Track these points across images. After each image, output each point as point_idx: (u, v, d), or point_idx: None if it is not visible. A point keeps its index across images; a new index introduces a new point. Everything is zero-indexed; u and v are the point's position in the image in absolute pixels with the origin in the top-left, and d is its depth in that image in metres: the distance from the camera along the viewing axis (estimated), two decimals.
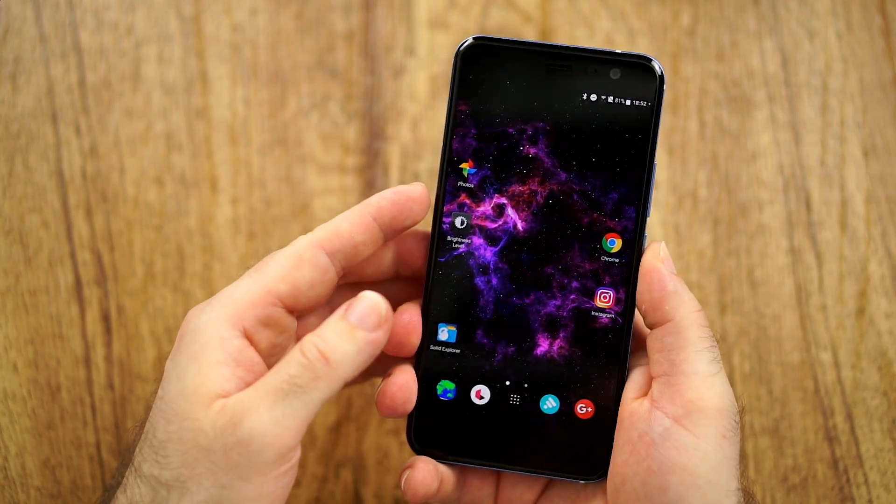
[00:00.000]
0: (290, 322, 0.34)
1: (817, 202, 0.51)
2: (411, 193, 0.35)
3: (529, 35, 0.52)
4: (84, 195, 0.49)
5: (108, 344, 0.48)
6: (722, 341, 0.50)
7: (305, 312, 0.35)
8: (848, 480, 0.49)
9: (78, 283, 0.49)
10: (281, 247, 0.35)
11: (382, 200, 0.35)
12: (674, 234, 0.51)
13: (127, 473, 0.33)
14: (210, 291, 0.49)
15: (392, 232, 0.35)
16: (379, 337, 0.32)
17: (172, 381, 0.32)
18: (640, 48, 0.52)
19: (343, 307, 0.32)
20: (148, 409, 0.33)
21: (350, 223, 0.34)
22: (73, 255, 0.49)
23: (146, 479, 0.31)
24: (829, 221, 0.51)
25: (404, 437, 0.49)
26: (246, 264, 0.49)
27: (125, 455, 0.35)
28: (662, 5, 0.53)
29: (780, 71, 0.52)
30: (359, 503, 0.48)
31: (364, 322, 0.32)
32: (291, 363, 0.31)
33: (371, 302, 0.32)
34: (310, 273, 0.33)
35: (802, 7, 0.53)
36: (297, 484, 0.48)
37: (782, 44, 0.53)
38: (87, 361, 0.48)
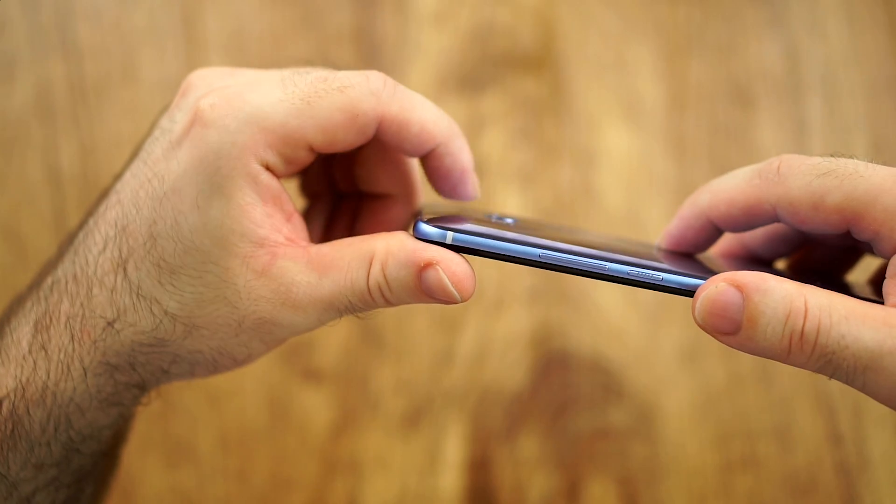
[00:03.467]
0: (312, 158, 0.30)
1: None
2: (469, 194, 0.31)
3: (529, 33, 0.52)
4: (80, 194, 0.49)
5: None
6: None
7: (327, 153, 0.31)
8: (853, 483, 0.48)
9: None
10: None
11: (455, 162, 0.30)
12: None
13: (88, 272, 0.29)
14: None
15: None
16: (435, 302, 0.29)
17: (187, 203, 0.28)
18: (644, 46, 0.52)
19: (416, 259, 0.28)
20: (107, 193, 0.30)
21: (420, 131, 0.29)
22: None
23: (144, 299, 0.29)
24: None
25: (403, 437, 0.49)
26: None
27: (68, 246, 0.31)
28: (665, 1, 0.52)
29: (783, 67, 0.52)
30: None
31: (434, 294, 0.28)
32: (354, 289, 0.28)
33: (444, 286, 0.28)
34: (355, 137, 0.29)
35: (807, 4, 0.52)
36: (296, 485, 0.48)
37: (786, 41, 0.52)
38: None
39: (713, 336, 0.27)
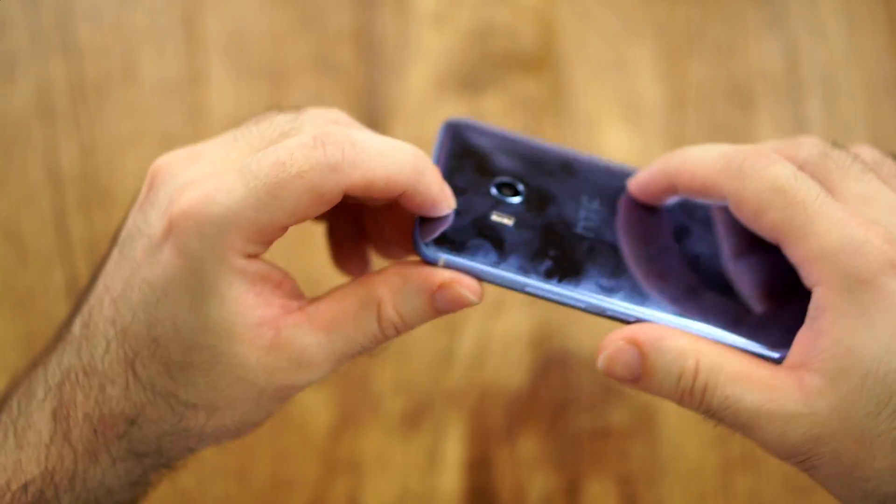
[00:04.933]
0: (286, 230, 0.31)
1: None
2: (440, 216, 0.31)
3: (529, 34, 0.52)
4: (81, 194, 0.49)
5: None
6: None
7: None
8: None
9: (75, 283, 0.48)
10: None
11: (426, 198, 0.30)
12: None
13: (97, 368, 0.30)
14: None
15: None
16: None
17: (182, 308, 0.29)
18: (644, 46, 0.52)
19: (431, 287, 0.29)
20: (90, 289, 0.31)
21: (385, 185, 0.29)
22: (69, 254, 0.48)
23: (162, 396, 0.29)
24: None
25: (403, 437, 0.49)
26: None
27: (65, 334, 0.31)
28: (665, 2, 0.52)
29: (783, 68, 0.52)
30: None
31: (446, 308, 0.30)
32: (367, 334, 0.30)
33: (462, 298, 0.30)
34: (326, 208, 0.29)
35: (806, 4, 0.52)
36: (296, 485, 0.48)
37: (786, 41, 0.52)
38: None
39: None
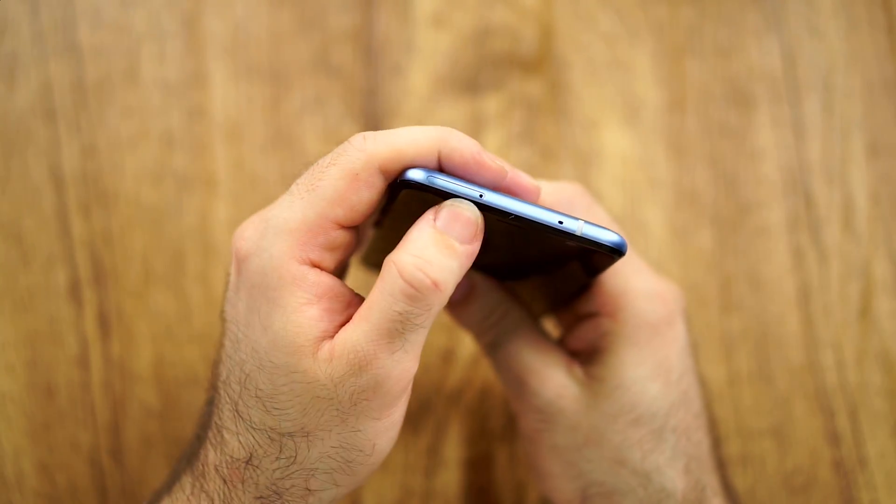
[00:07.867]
0: (348, 236, 0.32)
1: (819, 201, 0.51)
2: (495, 167, 0.31)
3: (529, 35, 0.52)
4: (82, 194, 0.49)
5: (107, 344, 0.48)
6: (724, 342, 0.50)
7: (357, 224, 0.32)
8: (852, 482, 0.48)
9: (76, 283, 0.48)
10: None
11: (463, 150, 0.31)
12: (674, 233, 0.51)
13: (219, 423, 0.32)
14: (209, 291, 0.49)
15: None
16: (475, 249, 0.30)
17: (257, 331, 0.30)
18: (643, 47, 0.52)
19: (430, 216, 0.30)
20: (217, 360, 0.33)
21: (416, 151, 0.30)
22: (70, 254, 0.49)
23: (261, 430, 0.31)
24: (832, 221, 0.50)
25: (403, 437, 0.49)
26: None
27: (206, 409, 0.34)
28: (664, 3, 0.53)
29: (782, 69, 0.52)
30: None
31: (462, 235, 0.30)
32: (397, 297, 0.29)
33: (467, 213, 0.30)
34: (367, 193, 0.30)
35: (805, 5, 0.53)
36: None
37: (784, 42, 0.52)
38: (85, 362, 0.48)
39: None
